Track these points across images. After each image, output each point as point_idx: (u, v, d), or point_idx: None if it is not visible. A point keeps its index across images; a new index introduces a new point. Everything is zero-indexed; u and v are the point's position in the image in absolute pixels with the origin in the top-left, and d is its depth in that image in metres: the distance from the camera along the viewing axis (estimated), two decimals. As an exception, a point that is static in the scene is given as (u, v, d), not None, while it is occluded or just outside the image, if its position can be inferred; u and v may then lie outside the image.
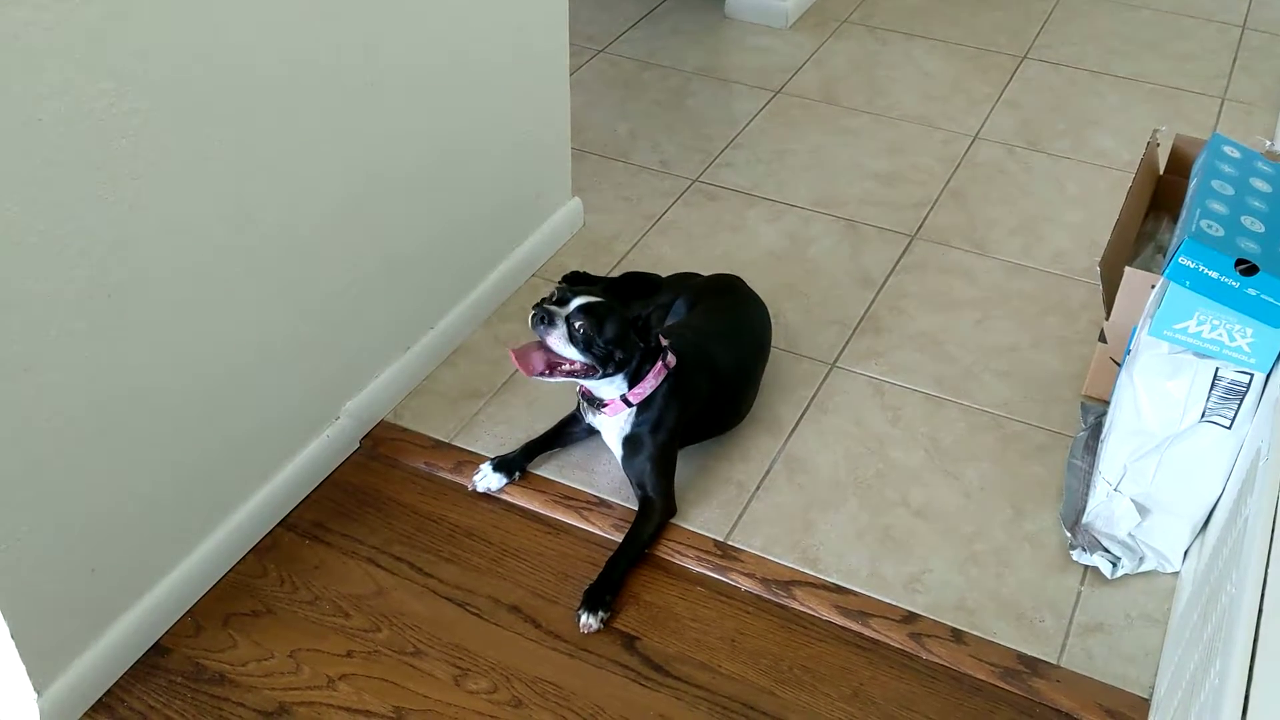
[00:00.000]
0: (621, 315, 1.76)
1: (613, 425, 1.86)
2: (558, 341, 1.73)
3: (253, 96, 1.58)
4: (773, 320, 2.17)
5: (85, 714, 1.61)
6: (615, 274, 2.38)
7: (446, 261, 2.14)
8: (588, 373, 1.78)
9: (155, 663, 1.68)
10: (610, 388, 1.82)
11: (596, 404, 1.85)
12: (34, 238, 1.33)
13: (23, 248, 1.32)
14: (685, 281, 2.20)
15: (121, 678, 1.66)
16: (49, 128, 1.31)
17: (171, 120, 1.46)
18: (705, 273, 2.26)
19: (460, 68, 2.00)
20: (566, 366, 1.76)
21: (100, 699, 1.63)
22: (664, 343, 1.85)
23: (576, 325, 1.73)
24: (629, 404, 1.83)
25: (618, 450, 1.88)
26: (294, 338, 1.82)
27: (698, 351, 1.92)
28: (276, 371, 1.80)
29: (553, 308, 1.75)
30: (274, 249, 1.71)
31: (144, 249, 1.49)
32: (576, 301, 1.75)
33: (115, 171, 1.41)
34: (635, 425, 1.84)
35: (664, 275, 2.27)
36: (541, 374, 1.76)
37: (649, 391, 1.82)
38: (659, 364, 1.83)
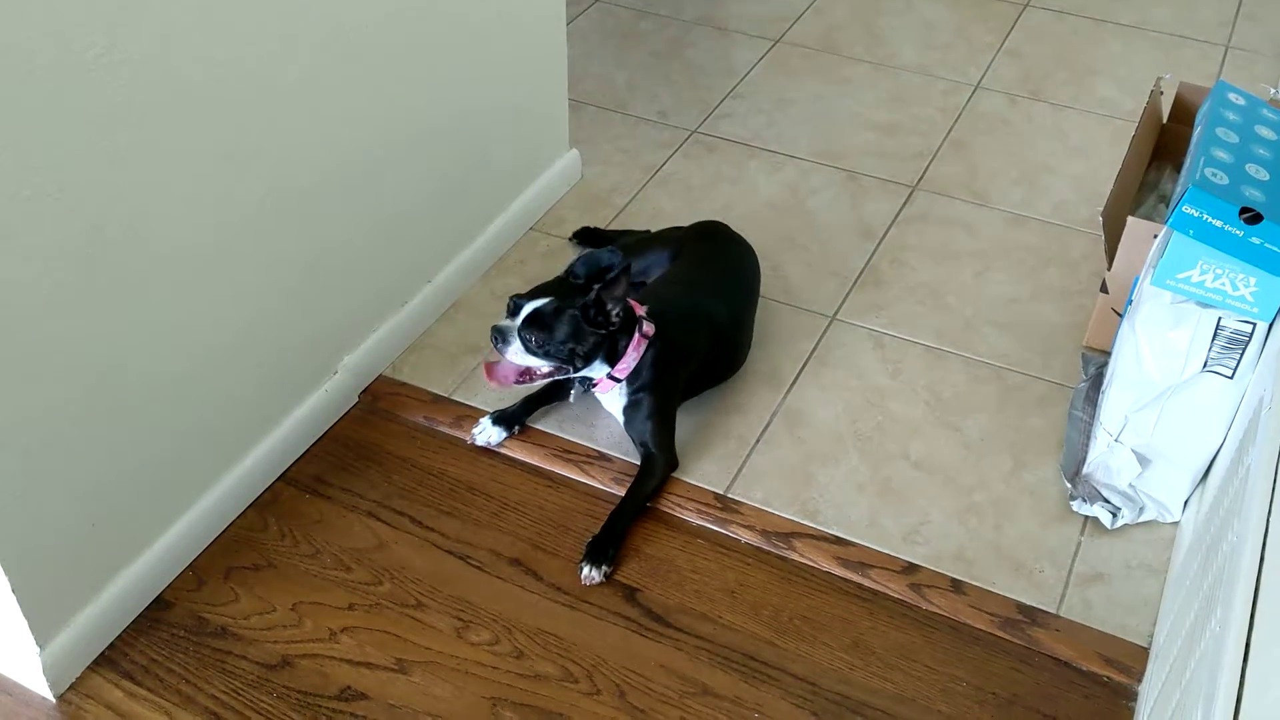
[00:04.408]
0: (571, 311, 1.75)
1: (611, 399, 1.87)
2: (517, 355, 1.77)
3: (247, 49, 1.56)
4: (773, 273, 2.16)
5: (88, 667, 1.62)
6: (614, 227, 2.37)
7: (443, 215, 2.12)
8: (561, 372, 1.80)
9: (157, 616, 1.69)
10: (594, 370, 1.82)
11: (587, 384, 1.86)
12: (28, 190, 1.32)
13: (16, 200, 1.31)
14: (663, 236, 2.18)
15: (124, 631, 1.66)
16: (39, 79, 1.29)
17: (164, 72, 1.44)
18: (704, 226, 2.24)
19: (455, 17, 1.97)
20: (542, 370, 1.79)
21: (103, 652, 1.64)
22: (639, 312, 1.84)
23: (527, 336, 1.75)
24: (617, 380, 1.83)
25: (619, 416, 1.88)
26: (291, 291, 1.80)
27: (684, 306, 1.91)
28: (274, 326, 1.79)
29: (505, 324, 1.77)
30: (270, 203, 1.70)
31: (138, 203, 1.47)
32: (525, 310, 1.76)
33: (107, 123, 1.39)
34: (632, 394, 1.85)
35: (659, 229, 2.26)
36: (519, 382, 1.81)
37: (634, 364, 1.82)
38: (636, 336, 1.82)
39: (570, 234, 2.34)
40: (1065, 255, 2.33)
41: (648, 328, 1.83)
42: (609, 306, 1.76)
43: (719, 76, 2.88)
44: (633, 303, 1.83)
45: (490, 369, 1.81)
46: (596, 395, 1.89)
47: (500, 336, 1.77)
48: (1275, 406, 1.37)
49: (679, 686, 1.61)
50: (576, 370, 1.80)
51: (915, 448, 1.94)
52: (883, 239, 2.37)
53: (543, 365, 1.78)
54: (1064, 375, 2.06)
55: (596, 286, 1.76)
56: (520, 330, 1.75)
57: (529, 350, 1.76)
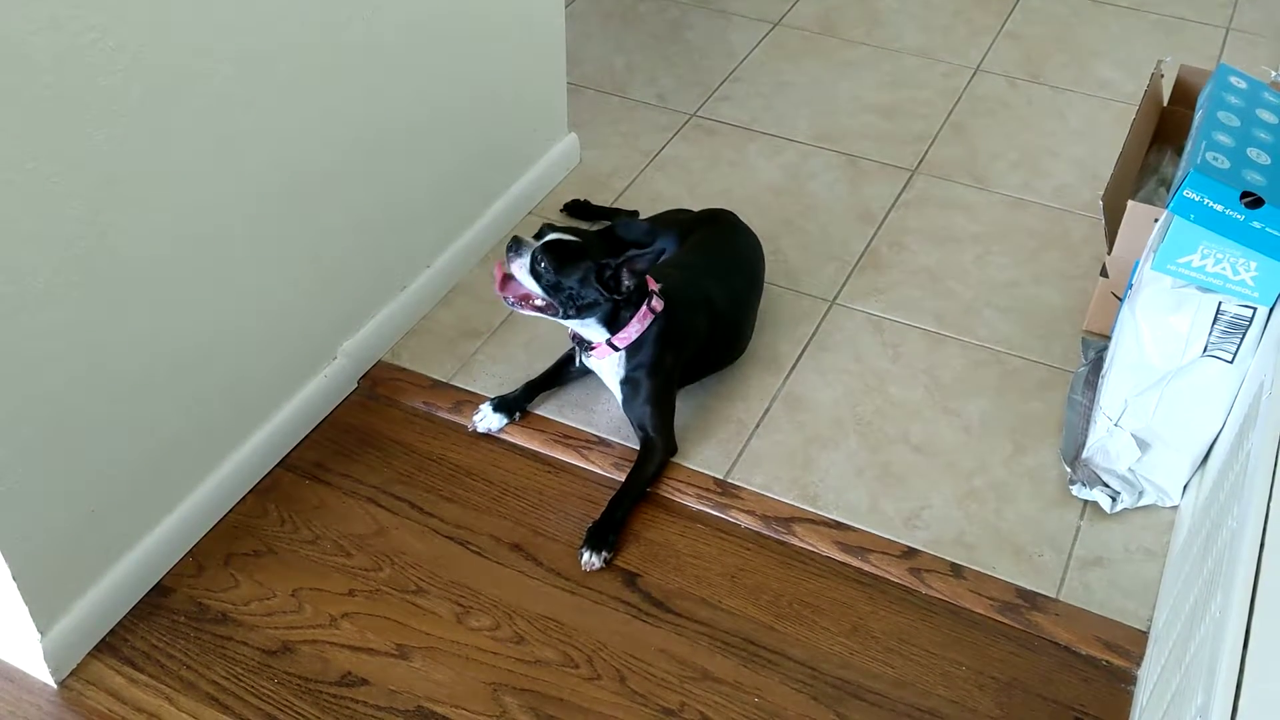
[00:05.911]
0: (588, 262, 1.75)
1: (608, 368, 1.86)
2: (519, 270, 1.76)
3: (246, 34, 1.55)
4: (772, 257, 2.15)
5: (89, 654, 1.62)
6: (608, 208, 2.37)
7: (442, 200, 2.11)
8: (548, 310, 1.78)
9: (158, 603, 1.69)
10: (591, 331, 1.81)
11: (585, 346, 1.85)
12: (21, 176, 1.31)
13: (13, 186, 1.30)
14: (674, 218, 2.18)
15: (124, 618, 1.66)
16: (37, 64, 1.29)
17: (162, 57, 1.44)
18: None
19: (454, 1, 1.96)
20: (537, 301, 1.78)
21: (104, 639, 1.64)
22: (654, 286, 1.83)
23: (539, 259, 1.74)
24: (615, 348, 1.82)
25: (617, 392, 1.87)
26: (290, 277, 1.80)
27: (689, 289, 1.91)
28: (273, 311, 1.79)
29: (526, 238, 1.77)
30: (269, 189, 1.69)
31: (136, 188, 1.46)
32: (550, 236, 1.76)
33: (104, 108, 1.38)
34: (630, 369, 1.84)
35: (659, 212, 2.25)
36: (512, 302, 1.80)
37: (635, 336, 1.81)
38: (644, 308, 1.81)
39: (561, 206, 2.36)
40: (1065, 239, 2.33)
41: (656, 303, 1.83)
42: (624, 278, 1.76)
43: (718, 59, 2.86)
44: (649, 278, 1.83)
45: (502, 278, 1.80)
46: (591, 363, 1.87)
47: (515, 247, 1.77)
48: (1276, 391, 1.37)
49: (679, 671, 1.62)
50: (565, 317, 1.79)
51: (915, 432, 1.94)
52: (882, 222, 2.36)
53: (538, 296, 1.77)
54: (1064, 359, 2.06)
55: (625, 254, 1.76)
56: (537, 249, 1.75)
57: (533, 270, 1.75)
